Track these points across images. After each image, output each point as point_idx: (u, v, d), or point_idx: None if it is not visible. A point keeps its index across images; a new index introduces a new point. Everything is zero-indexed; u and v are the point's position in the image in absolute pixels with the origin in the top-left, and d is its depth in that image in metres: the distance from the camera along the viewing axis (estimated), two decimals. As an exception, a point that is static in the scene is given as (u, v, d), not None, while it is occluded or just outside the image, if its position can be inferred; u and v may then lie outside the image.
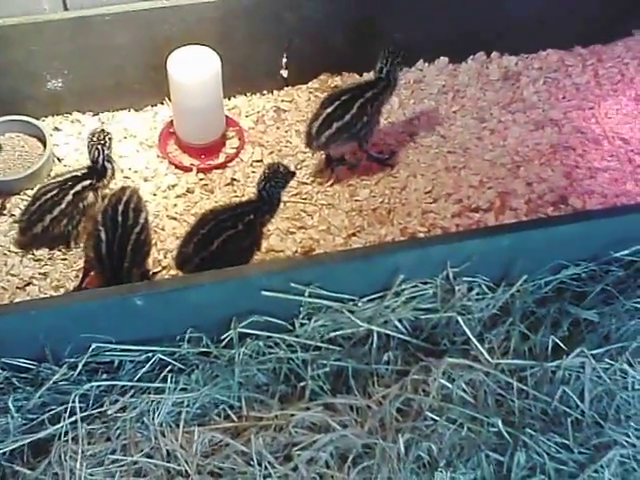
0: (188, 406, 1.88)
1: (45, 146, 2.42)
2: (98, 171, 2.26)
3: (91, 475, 1.78)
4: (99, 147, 2.24)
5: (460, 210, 2.38)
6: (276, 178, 2.14)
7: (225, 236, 2.10)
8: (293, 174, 2.20)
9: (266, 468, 1.79)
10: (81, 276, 2.18)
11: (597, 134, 2.59)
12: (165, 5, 2.41)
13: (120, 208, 2.09)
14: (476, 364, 1.90)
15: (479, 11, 2.65)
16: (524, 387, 1.89)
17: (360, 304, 1.97)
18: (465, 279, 2.01)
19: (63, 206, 2.22)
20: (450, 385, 1.88)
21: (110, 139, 2.25)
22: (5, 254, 2.27)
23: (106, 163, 2.26)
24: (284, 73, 2.62)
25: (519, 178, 2.46)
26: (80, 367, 1.88)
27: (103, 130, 2.27)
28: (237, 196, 2.40)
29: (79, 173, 2.27)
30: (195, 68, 2.32)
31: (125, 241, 2.06)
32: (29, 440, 1.83)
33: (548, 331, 1.99)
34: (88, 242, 2.13)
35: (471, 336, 1.94)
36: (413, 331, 2.00)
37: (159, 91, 2.52)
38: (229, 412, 1.90)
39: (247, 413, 1.89)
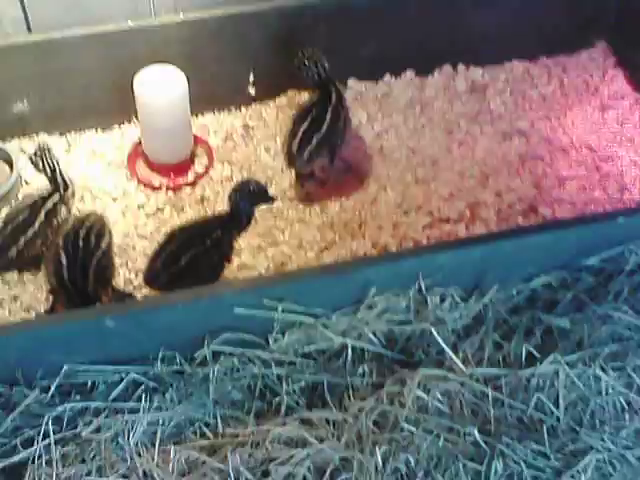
0: (163, 425, 1.86)
1: (12, 169, 2.40)
2: (61, 183, 2.25)
3: (66, 498, 1.77)
4: (48, 160, 2.23)
5: (431, 222, 2.39)
6: (247, 193, 2.14)
7: (193, 252, 2.10)
8: (266, 195, 2.20)
9: (244, 484, 1.79)
10: (51, 300, 2.16)
11: (564, 143, 2.62)
12: (130, 27, 2.41)
13: (82, 233, 2.09)
14: (451, 374, 1.90)
15: (444, 24, 2.68)
16: (499, 396, 1.89)
17: (334, 318, 1.97)
18: (437, 290, 2.01)
19: (36, 227, 2.20)
20: (426, 396, 1.87)
21: (50, 150, 2.25)
22: (-26, 278, 2.25)
23: (62, 174, 2.25)
24: (252, 90, 2.63)
25: (488, 189, 2.47)
26: (53, 389, 1.85)
27: (40, 145, 2.26)
28: (207, 213, 2.39)
29: (45, 193, 2.25)
30: (162, 88, 2.32)
31: (87, 265, 2.06)
32: (2, 465, 1.80)
33: (521, 339, 1.99)
34: (49, 267, 2.11)
35: (445, 347, 1.94)
36: (387, 343, 1.99)
37: (126, 111, 2.52)
38: (205, 430, 1.88)
39: (223, 430, 1.88)
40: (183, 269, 2.09)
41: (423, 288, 1.99)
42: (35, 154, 2.25)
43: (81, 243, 2.08)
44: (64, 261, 2.05)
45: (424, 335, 2.00)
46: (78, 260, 2.06)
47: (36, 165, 2.26)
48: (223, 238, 2.13)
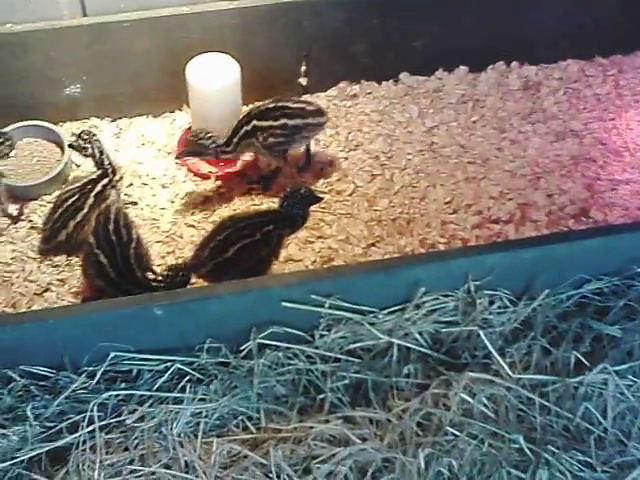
0: (206, 417, 1.87)
1: (63, 151, 2.41)
2: (108, 167, 2.26)
3: (108, 485, 1.77)
4: (94, 143, 2.26)
5: (480, 221, 2.36)
6: (298, 199, 2.14)
7: (241, 244, 2.09)
8: (317, 198, 2.19)
9: (285, 480, 1.78)
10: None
11: (618, 146, 2.57)
12: (185, 12, 2.40)
13: (111, 227, 2.09)
14: (497, 379, 1.88)
15: (499, 20, 2.63)
16: (546, 403, 1.87)
17: (380, 316, 1.95)
18: (486, 292, 1.98)
19: (86, 210, 2.21)
20: (471, 400, 1.86)
21: (95, 134, 2.29)
22: (23, 260, 2.26)
23: (109, 158, 2.27)
24: (303, 81, 2.61)
25: (539, 189, 2.44)
26: (99, 376, 1.86)
27: (84, 130, 2.30)
28: (255, 204, 2.38)
29: (95, 175, 2.27)
30: (215, 75, 2.31)
31: (127, 257, 2.06)
32: (47, 448, 1.81)
33: (570, 346, 1.97)
34: (90, 270, 2.11)
35: (493, 350, 1.92)
36: (433, 344, 1.98)
37: (177, 98, 2.52)
38: (247, 423, 1.88)
39: (266, 425, 1.88)
40: (229, 260, 2.09)
41: (472, 289, 1.97)
42: (80, 138, 2.26)
43: (114, 237, 2.07)
44: (104, 260, 2.05)
45: (471, 337, 1.98)
46: (117, 254, 2.06)
47: (80, 149, 2.27)
48: (274, 233, 2.12)
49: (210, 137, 2.29)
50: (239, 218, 2.17)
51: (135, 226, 2.15)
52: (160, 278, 2.09)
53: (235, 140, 2.31)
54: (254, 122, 2.31)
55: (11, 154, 2.40)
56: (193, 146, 2.30)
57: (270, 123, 2.30)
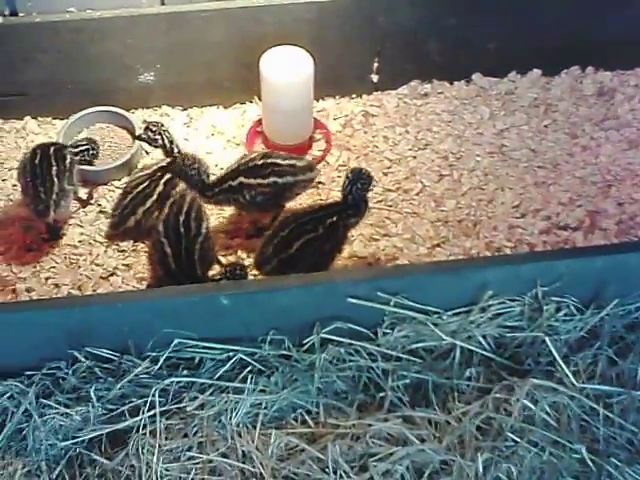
0: (266, 408, 1.88)
1: (134, 138, 2.43)
2: (178, 155, 2.27)
3: (167, 470, 1.79)
4: (163, 134, 2.28)
5: (548, 227, 2.32)
6: (362, 181, 2.12)
7: (305, 239, 2.09)
8: (372, 180, 2.16)
9: (341, 477, 1.78)
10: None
11: (693, 156, 2.52)
12: (261, 4, 2.41)
13: (181, 219, 2.09)
14: (561, 387, 1.86)
15: (576, 24, 2.58)
16: (610, 414, 1.84)
17: (445, 317, 1.94)
18: (554, 299, 1.96)
19: (155, 197, 2.23)
20: (533, 406, 1.84)
21: (162, 124, 2.30)
22: (90, 243, 2.28)
23: (177, 146, 2.29)
24: (374, 78, 2.60)
25: (610, 198, 2.40)
26: (161, 362, 1.88)
27: (151, 122, 2.33)
28: (322, 199, 2.37)
29: (164, 163, 2.29)
30: (288, 68, 2.31)
31: (192, 251, 2.07)
32: (108, 430, 1.84)
33: (637, 358, 1.93)
34: (154, 256, 2.14)
35: (558, 357, 1.90)
36: (497, 348, 1.96)
37: (249, 89, 2.52)
38: (306, 417, 1.89)
39: (324, 420, 1.88)
40: (293, 256, 2.08)
41: (540, 295, 1.94)
42: (148, 129, 2.29)
43: (182, 229, 2.08)
44: (168, 250, 2.06)
45: (535, 343, 1.96)
46: (182, 247, 2.07)
47: (149, 141, 2.30)
48: (338, 226, 2.11)
49: (197, 170, 2.17)
50: (302, 213, 2.17)
51: (207, 219, 2.15)
52: (219, 277, 2.08)
53: (216, 190, 2.21)
54: (241, 179, 2.20)
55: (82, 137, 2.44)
56: (178, 168, 2.21)
57: (259, 181, 2.20)
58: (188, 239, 2.08)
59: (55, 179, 2.17)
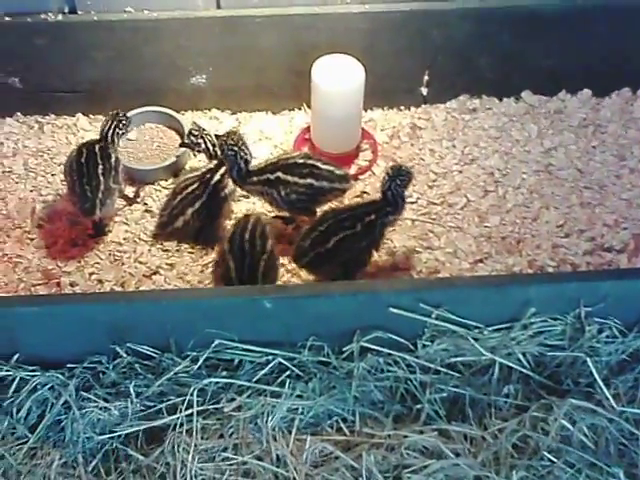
0: (302, 413, 1.88)
1: (182, 146, 2.44)
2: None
3: (201, 470, 1.79)
4: (205, 137, 2.32)
5: (592, 248, 2.31)
6: (401, 177, 2.12)
7: (342, 235, 2.11)
8: (411, 175, 2.17)
9: (374, 487, 1.78)
10: None
11: None
12: (316, 12, 2.42)
13: (246, 236, 2.12)
14: (600, 409, 1.84)
15: (629, 46, 2.57)
16: (649, 440, 1.82)
17: (486, 332, 1.93)
18: (596, 320, 1.94)
19: (204, 199, 2.25)
20: (571, 427, 1.82)
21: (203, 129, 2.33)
22: (135, 241, 2.31)
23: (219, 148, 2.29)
24: (424, 90, 2.60)
25: (656, 221, 2.38)
26: (201, 361, 1.89)
27: (192, 127, 2.35)
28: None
29: (212, 165, 2.30)
30: (340, 77, 2.31)
31: (255, 268, 2.08)
32: (145, 427, 1.86)
33: (680, 384, 1.92)
34: (218, 269, 2.16)
35: (598, 379, 1.88)
36: (536, 367, 1.95)
37: (298, 96, 2.54)
38: (342, 425, 1.88)
39: (360, 428, 1.88)
40: (330, 250, 2.10)
41: (582, 315, 1.93)
42: (191, 135, 2.32)
43: (247, 246, 2.10)
44: (232, 265, 2.08)
45: (576, 364, 1.95)
46: (246, 263, 2.08)
47: (192, 146, 2.33)
48: (375, 224, 2.12)
49: (236, 153, 2.18)
50: (341, 210, 2.19)
51: (271, 238, 2.16)
52: None
53: (254, 179, 2.23)
54: (279, 173, 2.22)
55: (131, 137, 2.47)
56: (220, 145, 2.23)
57: (295, 180, 2.22)
58: (253, 255, 2.10)
59: (101, 178, 2.20)
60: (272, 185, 2.22)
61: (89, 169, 2.21)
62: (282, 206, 2.26)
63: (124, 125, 2.31)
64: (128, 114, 2.36)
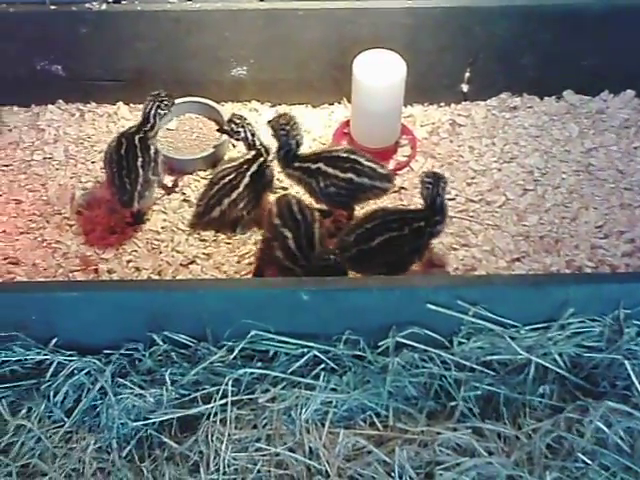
0: (336, 407, 1.88)
1: (222, 132, 2.45)
2: (261, 148, 2.29)
3: (234, 459, 1.80)
4: (246, 127, 2.29)
5: (632, 250, 2.28)
6: (440, 184, 2.11)
7: (388, 236, 2.10)
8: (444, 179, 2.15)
9: (406, 482, 1.77)
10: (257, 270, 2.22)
11: None
12: (358, 6, 2.42)
13: (295, 208, 2.12)
14: (636, 412, 1.83)
15: (673, 48, 2.55)
16: (686, 445, 1.80)
17: (522, 331, 1.92)
18: (635, 322, 1.92)
19: (241, 189, 2.25)
20: (607, 430, 1.81)
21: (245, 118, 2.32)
22: (173, 230, 2.32)
23: (260, 140, 2.30)
24: (464, 87, 2.59)
25: (697, 225, 2.35)
26: (236, 352, 1.90)
27: (234, 114, 2.33)
28: (403, 204, 2.37)
29: (250, 155, 2.30)
30: (381, 72, 2.31)
31: (311, 235, 2.09)
32: (179, 415, 1.87)
33: None
34: (268, 245, 2.15)
35: (636, 382, 1.86)
36: (573, 367, 1.94)
37: (338, 90, 2.54)
38: (375, 419, 1.89)
39: (393, 424, 1.88)
40: (373, 249, 2.09)
41: (621, 317, 1.91)
42: (231, 122, 2.31)
43: (299, 216, 2.11)
44: (289, 234, 2.08)
45: (613, 366, 1.93)
46: (302, 232, 2.09)
47: (231, 134, 2.32)
48: (424, 232, 2.11)
49: (287, 134, 2.21)
50: (391, 211, 2.18)
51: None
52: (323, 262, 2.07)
53: (296, 165, 2.25)
54: (320, 164, 2.22)
55: (171, 126, 2.48)
56: (273, 123, 2.24)
57: (336, 173, 2.22)
58: (306, 224, 2.10)
59: (140, 170, 2.22)
60: (312, 175, 2.22)
61: (129, 161, 2.23)
62: (320, 197, 2.25)
63: (166, 105, 2.32)
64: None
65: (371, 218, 2.14)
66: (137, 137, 2.27)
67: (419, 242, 2.13)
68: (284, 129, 2.20)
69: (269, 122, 2.26)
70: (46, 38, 2.46)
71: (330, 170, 2.21)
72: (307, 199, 2.26)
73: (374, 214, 2.16)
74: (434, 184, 2.11)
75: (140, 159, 2.23)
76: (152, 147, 2.28)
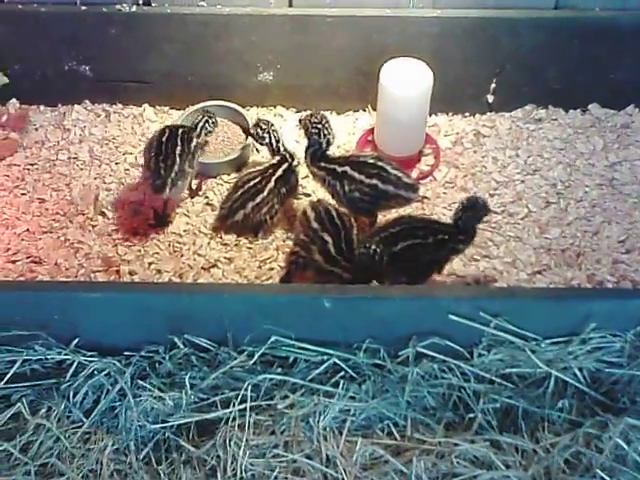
0: (354, 415, 1.88)
1: (247, 135, 2.46)
2: (285, 154, 2.31)
3: (251, 465, 1.80)
4: (271, 133, 2.31)
5: (655, 265, 2.28)
6: (474, 210, 2.11)
7: (411, 242, 2.10)
8: (488, 210, 2.15)
9: (423, 493, 1.77)
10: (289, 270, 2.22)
11: None
12: (387, 14, 2.43)
13: (333, 213, 2.13)
14: (656, 430, 1.82)
15: None
16: None
17: (543, 345, 1.91)
18: (657, 339, 1.92)
19: (265, 193, 2.25)
20: (626, 446, 1.79)
21: (272, 123, 2.34)
22: (195, 234, 2.33)
23: (284, 145, 2.33)
24: (490, 98, 2.58)
25: None
26: (257, 357, 1.90)
27: (261, 119, 2.36)
28: (425, 213, 2.37)
29: (275, 160, 2.31)
30: (408, 80, 2.31)
31: (351, 240, 2.09)
32: (197, 419, 1.86)
33: None
34: (306, 249, 2.14)
35: (656, 399, 1.85)
36: (592, 383, 1.92)
37: (363, 98, 2.55)
38: (393, 429, 1.88)
39: (411, 434, 1.87)
40: (396, 254, 2.07)
41: (643, 334, 1.90)
42: (257, 127, 2.32)
43: (338, 222, 2.11)
44: (329, 239, 2.08)
45: (633, 382, 1.92)
46: (342, 237, 2.09)
47: (256, 137, 2.33)
48: (447, 245, 2.11)
49: (319, 132, 2.23)
50: (418, 219, 2.19)
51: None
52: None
53: (322, 165, 2.25)
54: (347, 168, 2.22)
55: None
56: (304, 122, 2.26)
57: (361, 178, 2.21)
58: (345, 229, 2.10)
59: (177, 158, 2.23)
60: (337, 177, 2.22)
61: (167, 148, 2.25)
62: (343, 201, 2.25)
63: (213, 124, 2.37)
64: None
65: (397, 223, 2.14)
66: (181, 130, 2.30)
67: (441, 254, 2.12)
68: (316, 127, 2.22)
69: (301, 120, 2.28)
70: (76, 38, 2.48)
71: (356, 175, 2.21)
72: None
73: (400, 219, 2.16)
74: (465, 207, 2.10)
75: (179, 148, 2.26)
76: (194, 141, 2.30)
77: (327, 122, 2.24)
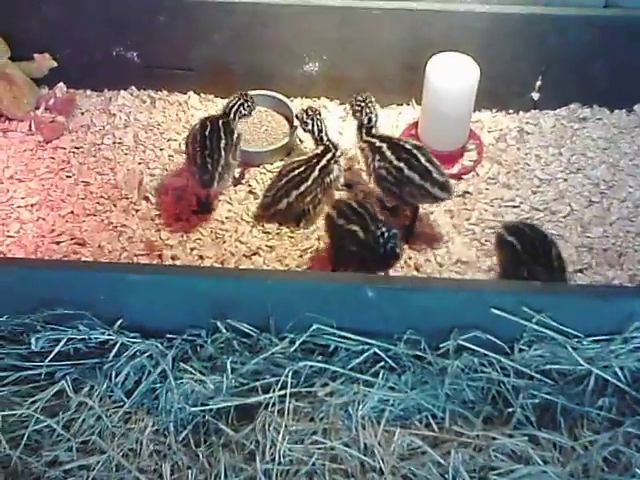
0: (392, 405, 1.88)
1: (291, 124, 2.48)
2: (329, 144, 2.33)
3: (290, 451, 1.81)
4: (316, 121, 2.34)
5: (698, 267, 2.27)
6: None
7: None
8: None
9: (460, 485, 1.77)
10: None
11: None
12: (435, 8, 2.43)
13: (354, 205, 2.14)
14: (698, 431, 1.81)
15: None
16: None
17: (585, 342, 1.90)
18: (701, 340, 1.91)
19: (309, 182, 2.27)
20: (666, 447, 1.79)
21: (320, 112, 2.37)
22: (237, 221, 2.34)
23: (328, 135, 2.35)
24: (535, 95, 2.58)
25: None
26: (298, 344, 1.91)
27: (310, 106, 2.39)
28: (467, 209, 2.37)
29: (319, 150, 2.33)
30: (455, 75, 2.31)
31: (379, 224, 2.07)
32: (237, 403, 1.88)
33: None
34: (340, 247, 2.16)
35: (698, 400, 1.84)
36: (633, 382, 1.91)
37: (408, 91, 2.56)
38: (431, 421, 1.88)
39: (449, 426, 1.87)
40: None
41: (686, 334, 1.89)
42: (305, 113, 2.34)
43: (361, 210, 2.12)
44: (356, 227, 2.08)
45: (674, 383, 1.91)
46: (368, 222, 2.08)
47: (301, 123, 2.35)
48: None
49: (362, 110, 2.31)
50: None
51: None
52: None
53: (366, 139, 2.30)
54: (384, 145, 2.24)
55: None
56: (350, 100, 2.35)
57: (391, 158, 2.22)
58: (370, 214, 2.11)
59: (222, 152, 2.24)
60: (373, 150, 2.26)
61: (212, 142, 2.26)
62: (371, 174, 2.27)
63: (248, 107, 2.37)
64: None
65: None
66: (221, 121, 2.31)
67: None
68: (359, 105, 2.30)
69: (349, 101, 2.36)
70: (125, 25, 2.50)
71: (388, 153, 2.23)
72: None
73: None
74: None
75: (223, 141, 2.27)
76: (236, 132, 2.32)
77: (371, 102, 2.31)
